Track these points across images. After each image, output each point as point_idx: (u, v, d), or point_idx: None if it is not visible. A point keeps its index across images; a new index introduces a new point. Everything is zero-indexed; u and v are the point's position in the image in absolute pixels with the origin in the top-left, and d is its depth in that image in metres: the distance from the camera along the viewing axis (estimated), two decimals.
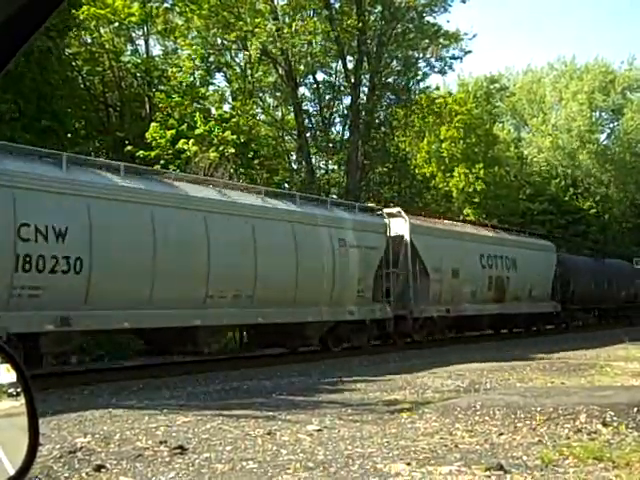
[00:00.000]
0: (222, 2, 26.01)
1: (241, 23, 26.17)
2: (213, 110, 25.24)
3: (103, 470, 5.35)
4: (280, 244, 15.45)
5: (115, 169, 13.16)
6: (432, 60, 30.67)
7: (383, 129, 31.72)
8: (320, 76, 31.07)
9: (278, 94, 32.39)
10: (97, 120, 24.57)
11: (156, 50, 28.59)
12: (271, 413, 7.90)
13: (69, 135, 20.73)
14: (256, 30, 25.68)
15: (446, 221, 23.68)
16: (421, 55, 30.59)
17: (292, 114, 31.32)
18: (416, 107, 31.20)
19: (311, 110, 31.90)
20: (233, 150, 21.83)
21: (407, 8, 28.52)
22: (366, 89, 29.58)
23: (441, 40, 29.62)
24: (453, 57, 30.73)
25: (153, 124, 21.53)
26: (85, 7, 21.90)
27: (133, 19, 24.27)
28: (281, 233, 15.59)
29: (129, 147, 21.00)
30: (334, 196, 28.78)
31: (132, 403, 9.05)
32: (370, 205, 22.59)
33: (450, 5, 29.57)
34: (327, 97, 31.73)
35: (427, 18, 29.55)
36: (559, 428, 6.66)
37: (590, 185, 43.09)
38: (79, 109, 22.49)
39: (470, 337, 23.33)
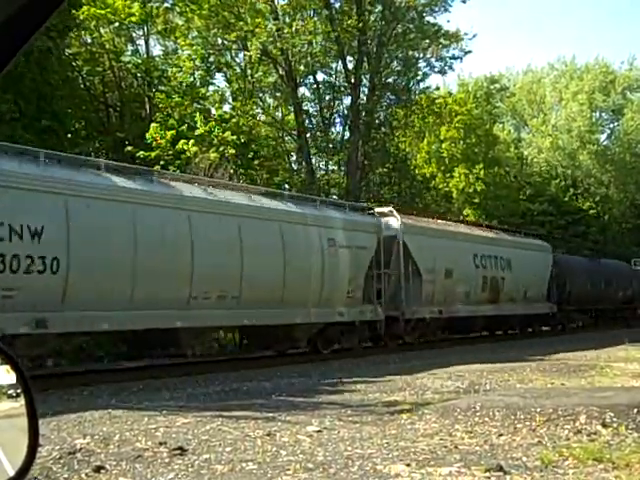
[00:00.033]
0: (222, 2, 26.00)
1: (241, 23, 26.16)
2: (213, 110, 25.25)
3: (102, 471, 5.35)
4: (267, 243, 15.13)
5: (96, 166, 12.84)
6: (432, 60, 30.64)
7: (383, 129, 31.69)
8: (320, 76, 31.09)
9: (278, 94, 32.38)
10: (97, 120, 24.58)
11: (156, 50, 28.64)
12: (271, 414, 7.90)
13: (69, 135, 20.75)
14: (256, 30, 25.67)
15: (439, 221, 23.27)
16: (421, 55, 30.55)
17: (292, 114, 31.30)
18: (416, 107, 31.17)
19: (311, 110, 31.93)
20: (233, 150, 21.86)
21: (407, 8, 28.49)
22: (366, 89, 29.56)
23: (441, 40, 29.56)
24: (453, 57, 30.69)
25: (153, 124, 21.53)
26: (85, 7, 21.90)
27: (133, 19, 24.26)
28: (268, 232, 15.25)
29: (129, 147, 21.01)
30: (334, 196, 28.79)
31: (132, 404, 9.05)
32: (361, 204, 22.15)
33: (450, 5, 29.55)
34: (327, 97, 31.71)
35: (427, 18, 29.52)
36: (559, 429, 6.66)
37: (590, 185, 43.08)
38: (79, 109, 22.50)
39: (469, 338, 23.23)
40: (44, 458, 5.53)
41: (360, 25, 27.23)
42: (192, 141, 20.98)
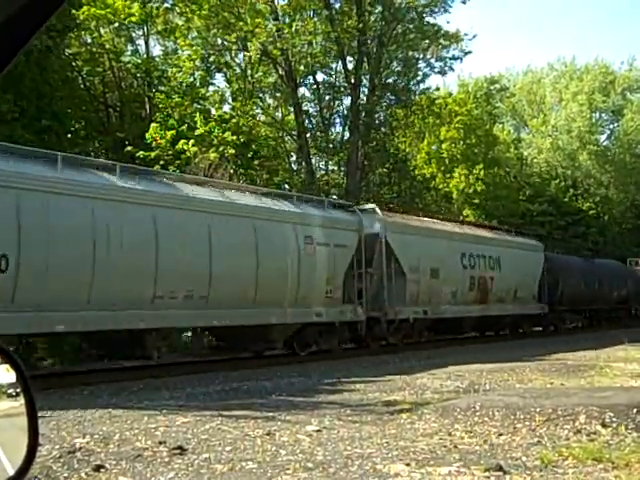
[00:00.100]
0: (222, 2, 26.01)
1: (241, 23, 26.17)
2: (213, 111, 25.26)
3: (102, 470, 5.36)
4: (239, 241, 14.53)
5: (53, 160, 12.00)
6: (432, 61, 30.63)
7: (383, 130, 31.69)
8: (320, 76, 31.10)
9: (278, 95, 32.40)
10: (97, 120, 24.58)
11: (156, 50, 28.68)
12: (270, 414, 7.90)
13: (69, 135, 20.76)
14: (256, 30, 25.67)
15: (425, 218, 22.45)
16: (421, 56, 30.53)
17: (292, 115, 31.32)
18: (416, 108, 31.15)
19: (311, 111, 31.96)
20: (233, 151, 21.85)
21: (407, 8, 28.52)
22: (366, 90, 29.56)
23: (441, 41, 29.56)
24: (453, 58, 30.69)
25: (153, 124, 21.54)
26: (85, 7, 21.92)
27: (133, 19, 24.27)
28: (240, 229, 14.63)
29: (129, 147, 21.02)
30: (334, 196, 28.78)
31: (131, 403, 9.07)
32: (341, 201, 21.57)
33: (450, 5, 29.53)
34: (327, 98, 31.72)
35: (427, 19, 29.50)
36: (558, 429, 6.66)
37: (590, 186, 43.08)
38: (79, 109, 22.51)
39: (465, 339, 23.15)
40: (44, 457, 5.54)
41: (360, 25, 27.24)
42: (192, 141, 20.98)
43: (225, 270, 13.99)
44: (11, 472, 1.42)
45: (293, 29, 26.91)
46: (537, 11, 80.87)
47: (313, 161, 31.57)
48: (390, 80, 30.47)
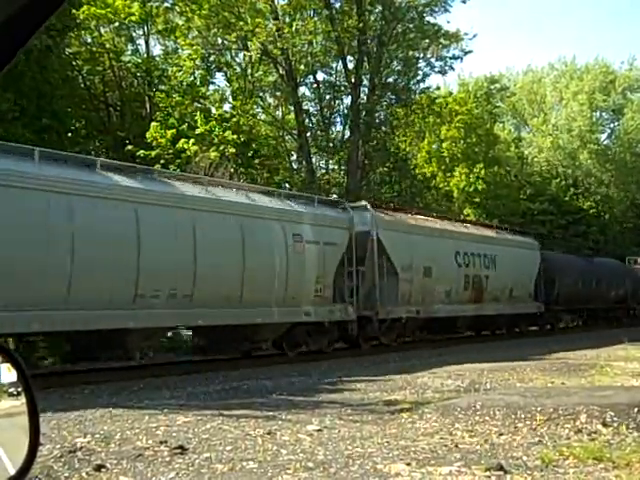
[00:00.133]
0: (222, 2, 25.99)
1: (241, 23, 26.17)
2: (213, 110, 25.25)
3: (103, 470, 5.36)
4: (224, 239, 14.17)
5: (28, 155, 11.49)
6: (432, 60, 30.63)
7: (383, 129, 31.70)
8: (320, 76, 31.11)
9: (278, 94, 32.40)
10: (97, 120, 24.59)
11: (156, 50, 28.64)
12: (271, 413, 7.90)
13: (69, 134, 20.77)
14: (256, 30, 25.68)
15: (418, 216, 21.92)
16: (421, 55, 30.54)
17: (292, 114, 31.33)
18: (416, 107, 31.15)
19: (311, 110, 31.94)
20: (233, 150, 21.87)
21: (407, 8, 28.53)
22: (366, 89, 29.56)
23: (441, 40, 29.56)
24: (453, 57, 30.69)
25: (153, 124, 21.54)
26: (85, 7, 21.91)
27: (133, 19, 24.25)
28: (226, 227, 14.30)
29: (129, 147, 21.02)
30: (335, 195, 28.78)
31: (132, 403, 9.06)
32: (332, 198, 21.16)
33: (450, 5, 29.54)
34: (327, 97, 31.72)
35: (427, 18, 29.52)
36: (559, 428, 6.66)
37: (590, 185, 43.09)
38: (79, 109, 22.53)
39: (468, 339, 23.13)
40: (45, 457, 5.53)
41: (360, 25, 27.24)
42: (192, 140, 21.00)
43: (210, 268, 13.66)
44: (12, 471, 1.41)
45: (293, 29, 26.92)
46: (537, 11, 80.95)
47: (313, 160, 31.59)
48: (390, 79, 30.48)
